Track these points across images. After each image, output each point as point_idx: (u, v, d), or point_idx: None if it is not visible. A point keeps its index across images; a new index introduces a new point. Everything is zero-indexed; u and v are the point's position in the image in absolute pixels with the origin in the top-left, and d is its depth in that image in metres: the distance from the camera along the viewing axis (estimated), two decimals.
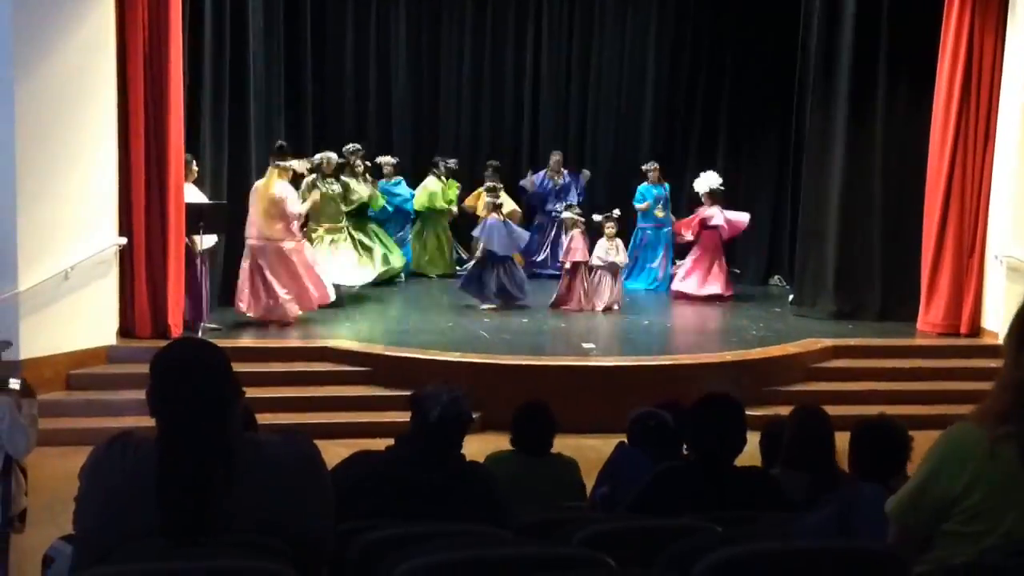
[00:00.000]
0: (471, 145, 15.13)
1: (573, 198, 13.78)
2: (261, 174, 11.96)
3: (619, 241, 12.29)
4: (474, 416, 8.99)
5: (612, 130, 15.19)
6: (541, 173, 14.34)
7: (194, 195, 10.47)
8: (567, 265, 12.15)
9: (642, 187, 13.61)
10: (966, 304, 10.95)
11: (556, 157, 14.33)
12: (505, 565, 2.78)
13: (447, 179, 14.11)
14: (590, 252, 12.09)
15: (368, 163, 13.23)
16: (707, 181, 13.04)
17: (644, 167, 13.64)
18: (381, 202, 13.27)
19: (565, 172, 14.31)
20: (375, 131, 14.97)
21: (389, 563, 2.75)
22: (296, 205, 10.84)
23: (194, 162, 10.55)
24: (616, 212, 12.52)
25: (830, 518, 3.68)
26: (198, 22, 10.81)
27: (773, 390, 9.49)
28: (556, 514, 4.20)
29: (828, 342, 10.54)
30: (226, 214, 10.81)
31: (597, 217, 12.77)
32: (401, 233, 14.15)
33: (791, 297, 12.65)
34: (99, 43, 9.33)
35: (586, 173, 14.45)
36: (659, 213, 13.53)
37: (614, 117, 15.19)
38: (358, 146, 13.11)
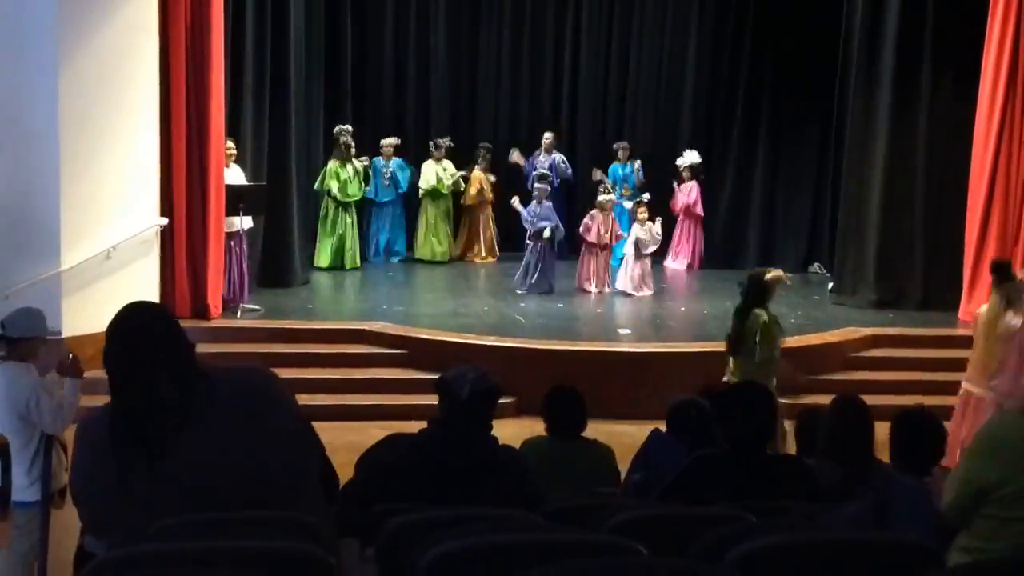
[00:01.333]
0: (509, 133, 15.05)
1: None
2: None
3: (651, 225, 12.27)
4: (509, 400, 9.07)
5: (651, 118, 15.08)
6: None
7: (236, 176, 10.55)
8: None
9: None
10: None
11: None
12: (536, 550, 2.78)
13: (441, 160, 13.76)
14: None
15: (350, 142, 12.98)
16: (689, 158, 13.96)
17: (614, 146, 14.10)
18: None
19: (555, 155, 14.07)
20: (413, 117, 14.95)
21: (421, 547, 2.76)
22: None
23: (230, 141, 10.60)
24: (647, 197, 12.57)
25: (868, 509, 3.66)
26: (240, 4, 10.87)
27: (811, 379, 9.43)
28: (588, 500, 4.21)
29: (868, 331, 10.45)
30: (266, 196, 10.89)
31: (628, 204, 12.77)
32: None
33: (831, 285, 12.55)
34: (142, 24, 9.40)
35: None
36: (625, 191, 13.78)
37: (653, 104, 15.07)
38: (347, 127, 13.02)
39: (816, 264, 14.28)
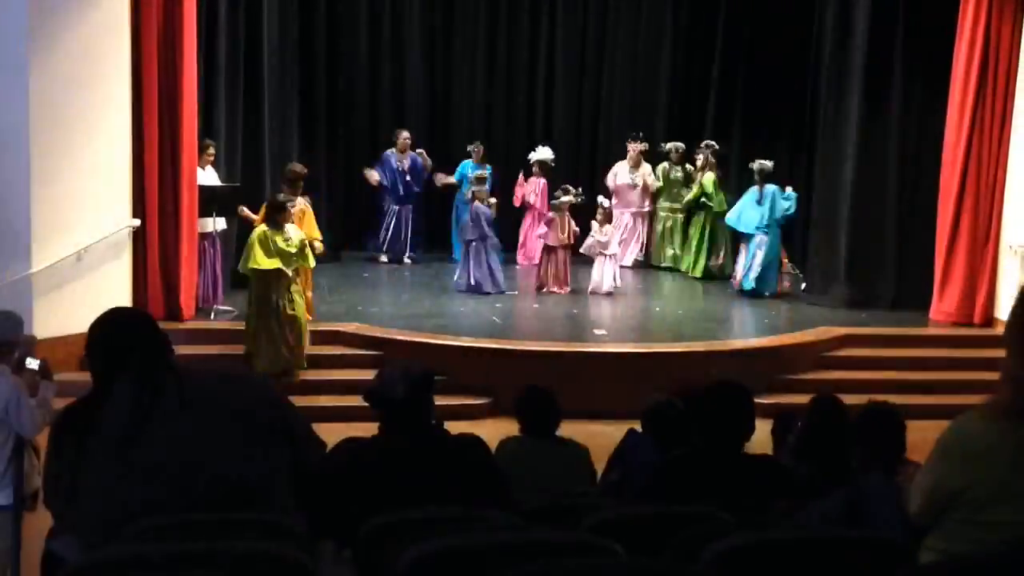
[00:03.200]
0: (485, 134, 15.03)
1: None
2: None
3: (609, 226, 12.30)
4: (485, 401, 9.05)
5: (626, 117, 15.09)
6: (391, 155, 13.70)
7: (209, 178, 10.50)
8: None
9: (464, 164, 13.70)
10: (980, 294, 10.91)
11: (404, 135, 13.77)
12: (513, 550, 2.79)
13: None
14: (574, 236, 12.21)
15: None
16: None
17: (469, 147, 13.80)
18: None
19: (411, 153, 13.75)
20: (387, 118, 14.88)
21: (398, 548, 2.76)
22: None
23: (211, 146, 10.56)
24: (607, 202, 12.64)
25: (838, 507, 3.69)
26: (213, 5, 10.81)
27: (784, 378, 9.49)
28: (565, 500, 4.21)
29: (840, 330, 10.51)
30: (239, 197, 10.84)
31: (603, 199, 12.84)
32: None
33: (803, 285, 12.62)
34: (113, 24, 9.34)
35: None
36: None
37: (628, 104, 15.10)
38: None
39: (789, 264, 14.35)
